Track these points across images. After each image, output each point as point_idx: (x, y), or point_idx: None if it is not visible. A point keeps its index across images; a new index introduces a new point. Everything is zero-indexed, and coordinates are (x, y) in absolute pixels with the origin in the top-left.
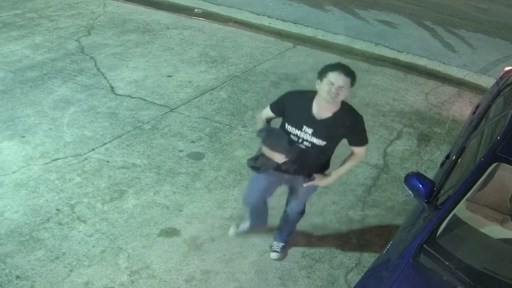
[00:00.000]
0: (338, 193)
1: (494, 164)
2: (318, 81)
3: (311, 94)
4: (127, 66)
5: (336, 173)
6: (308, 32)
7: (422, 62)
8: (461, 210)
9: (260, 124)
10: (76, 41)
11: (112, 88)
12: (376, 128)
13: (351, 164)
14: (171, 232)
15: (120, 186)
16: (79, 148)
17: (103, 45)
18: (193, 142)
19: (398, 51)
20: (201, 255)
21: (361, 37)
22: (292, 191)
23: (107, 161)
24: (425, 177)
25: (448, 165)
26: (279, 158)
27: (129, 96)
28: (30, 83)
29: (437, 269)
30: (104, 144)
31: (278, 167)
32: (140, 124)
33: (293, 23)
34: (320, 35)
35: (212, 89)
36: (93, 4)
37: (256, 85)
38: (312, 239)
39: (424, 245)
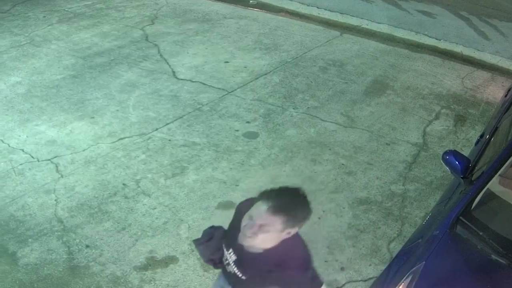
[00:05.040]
0: (381, 169)
1: None
2: None
3: None
4: (188, 53)
5: None
6: (353, 21)
7: (458, 49)
8: (494, 184)
9: None
10: (141, 29)
11: (174, 73)
12: (416, 109)
13: None
14: (228, 205)
15: (181, 163)
16: (144, 128)
17: (165, 34)
18: (248, 122)
19: (436, 39)
20: None
21: (402, 26)
22: None
23: (170, 140)
24: (461, 154)
25: (482, 144)
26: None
27: (189, 80)
28: (99, 68)
29: (472, 239)
30: (167, 124)
31: None
32: (199, 106)
33: (340, 13)
34: (365, 24)
35: (265, 74)
36: None
37: (306, 70)
38: (357, 212)
39: (460, 217)
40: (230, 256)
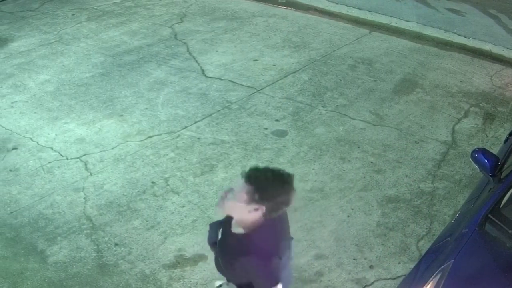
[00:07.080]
0: (410, 167)
1: None
2: None
3: None
4: (217, 51)
5: None
6: (382, 19)
7: (487, 47)
8: None
9: None
10: (169, 28)
11: (203, 71)
12: (445, 107)
13: None
14: None
15: (210, 161)
16: (173, 126)
17: (194, 32)
18: (277, 120)
19: (465, 37)
20: None
21: (431, 24)
22: None
23: (198, 138)
24: (490, 152)
25: (511, 142)
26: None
27: (218, 78)
28: (128, 66)
29: (501, 237)
30: (196, 122)
31: None
32: (228, 104)
33: (369, 11)
34: (394, 22)
35: (294, 72)
36: None
37: (335, 68)
38: (386, 210)
39: (489, 215)
40: (219, 235)
